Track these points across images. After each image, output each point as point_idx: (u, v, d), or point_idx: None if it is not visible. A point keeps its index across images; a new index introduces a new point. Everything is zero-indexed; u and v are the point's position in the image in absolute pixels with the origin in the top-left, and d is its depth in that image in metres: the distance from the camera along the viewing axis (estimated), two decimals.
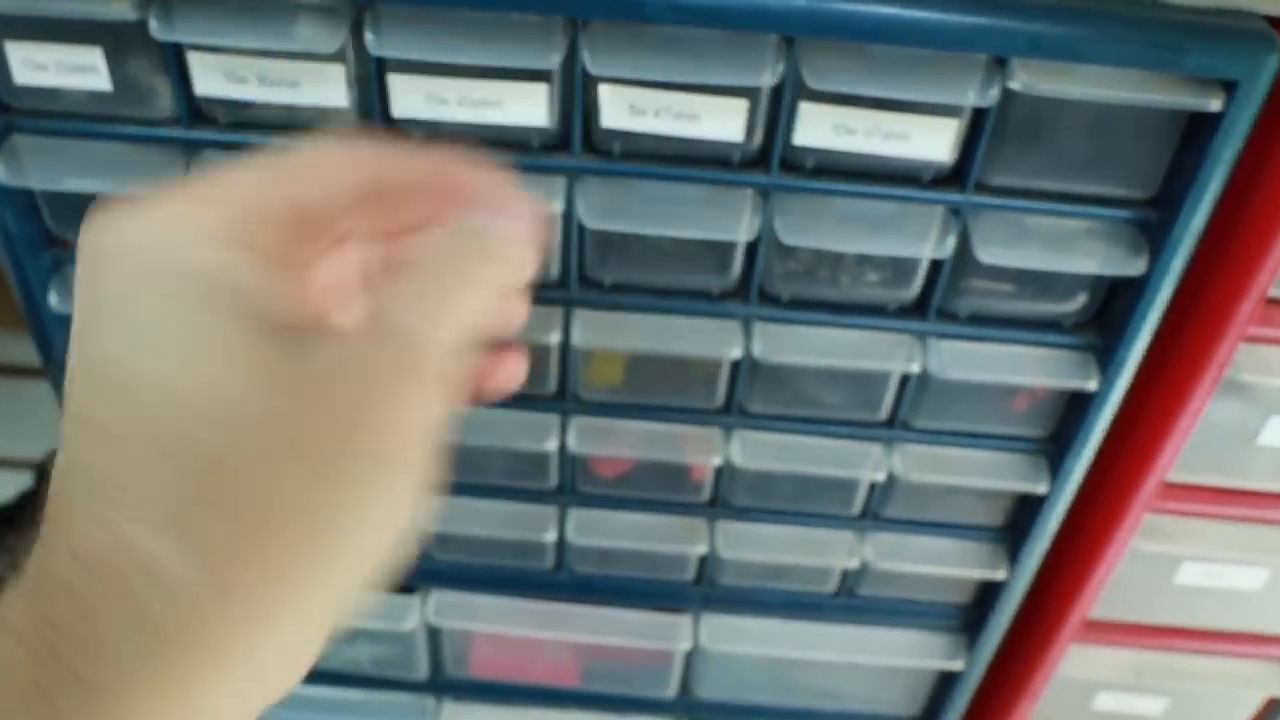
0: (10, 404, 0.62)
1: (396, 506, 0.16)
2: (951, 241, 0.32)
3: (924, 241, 0.32)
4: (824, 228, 0.32)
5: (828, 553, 0.41)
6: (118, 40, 0.31)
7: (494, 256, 0.19)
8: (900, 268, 0.34)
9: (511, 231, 0.19)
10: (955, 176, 0.32)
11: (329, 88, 0.31)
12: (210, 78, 0.31)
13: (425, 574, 0.44)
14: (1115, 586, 0.40)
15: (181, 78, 0.31)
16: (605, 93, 0.30)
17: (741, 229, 0.32)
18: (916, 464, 0.38)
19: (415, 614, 0.45)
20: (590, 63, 0.29)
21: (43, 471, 0.56)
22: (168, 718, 0.14)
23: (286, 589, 0.15)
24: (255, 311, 0.16)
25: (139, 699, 0.14)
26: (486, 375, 0.21)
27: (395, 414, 0.16)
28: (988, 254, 0.32)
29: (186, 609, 0.15)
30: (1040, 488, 0.37)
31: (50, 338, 0.37)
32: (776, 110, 0.30)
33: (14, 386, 0.61)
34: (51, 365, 0.38)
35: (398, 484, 0.17)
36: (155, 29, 0.29)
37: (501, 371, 0.21)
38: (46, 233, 0.35)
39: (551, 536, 0.41)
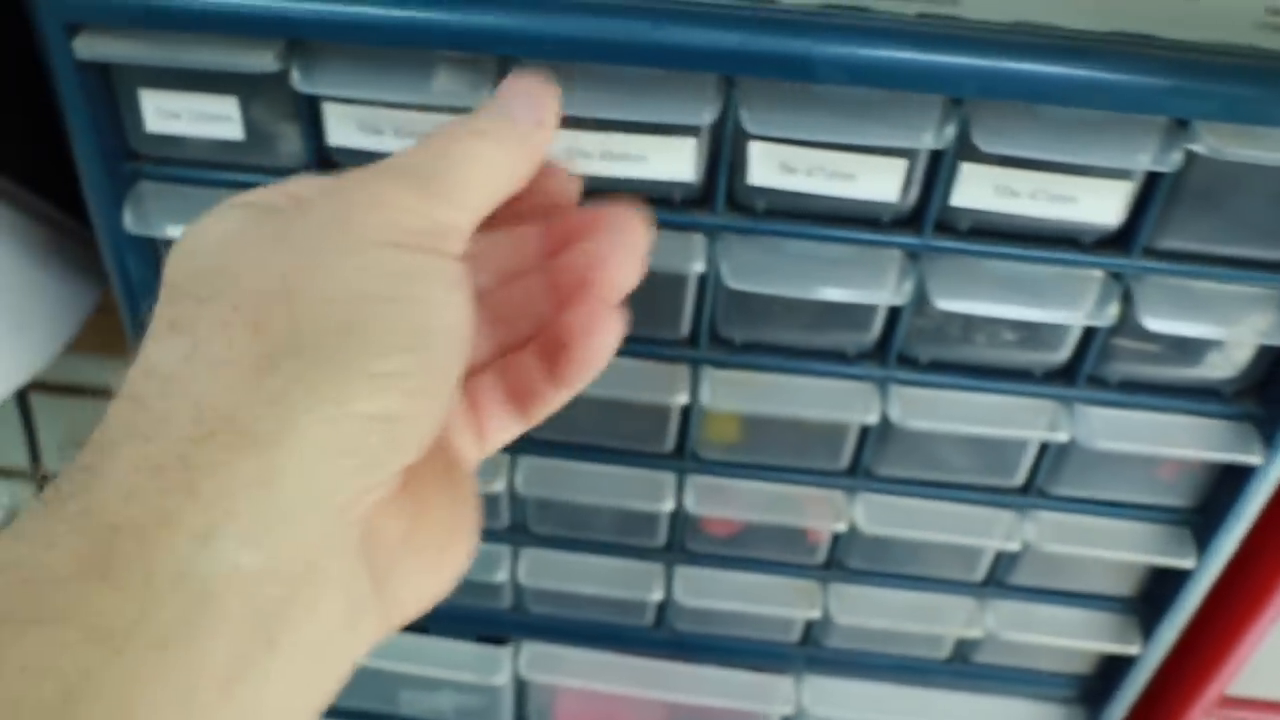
0: (87, 425, 0.61)
1: (406, 374, 0.17)
2: (1114, 308, 0.30)
3: (1082, 307, 0.31)
4: (977, 291, 0.31)
5: (946, 619, 0.39)
6: (253, 89, 0.30)
7: (494, 132, 0.20)
8: (1042, 329, 0.33)
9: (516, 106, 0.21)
10: (1118, 239, 0.30)
11: None
12: (344, 128, 0.31)
13: (517, 625, 0.43)
14: (1256, 661, 0.38)
15: (314, 127, 0.30)
16: (756, 150, 0.29)
17: (886, 290, 0.31)
18: (1051, 533, 0.36)
19: (506, 667, 0.43)
20: (748, 121, 0.28)
21: None
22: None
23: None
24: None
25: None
26: (583, 333, 0.21)
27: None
28: (1154, 321, 0.30)
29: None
30: (1186, 561, 0.35)
31: None
32: (934, 170, 0.29)
33: (91, 408, 0.60)
34: None
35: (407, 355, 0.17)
36: (297, 81, 0.28)
37: (599, 333, 0.21)
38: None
39: (657, 595, 0.40)
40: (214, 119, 0.31)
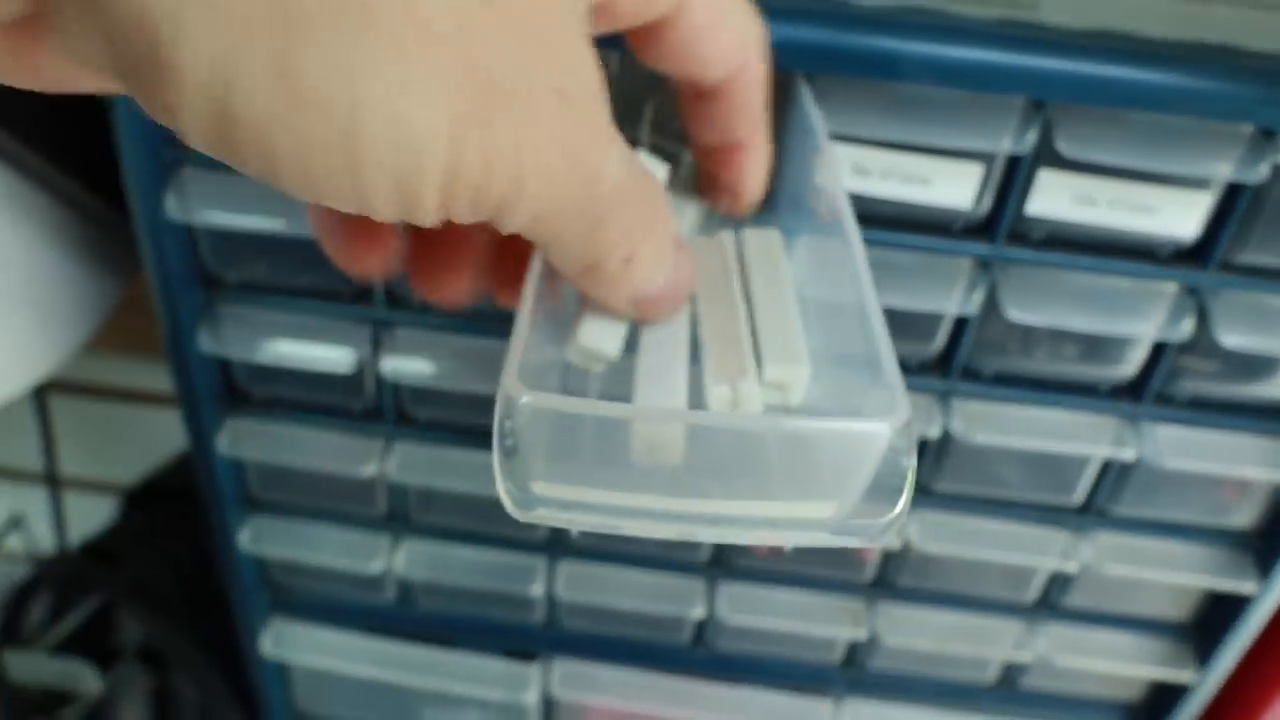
0: (105, 426, 0.60)
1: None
2: (1189, 323, 0.30)
3: (1154, 321, 0.30)
4: (1049, 303, 0.30)
5: (995, 642, 0.38)
6: None
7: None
8: (1104, 343, 0.32)
9: None
10: (1194, 253, 0.30)
11: None
12: None
13: (549, 641, 0.42)
14: None
15: None
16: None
17: (955, 300, 0.30)
18: (1108, 553, 0.35)
19: (536, 684, 0.42)
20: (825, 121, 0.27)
21: (131, 499, 0.54)
22: None
23: None
24: None
25: None
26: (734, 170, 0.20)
27: None
28: (1230, 337, 0.29)
29: None
30: (1247, 587, 0.34)
31: (193, 376, 0.35)
32: (1010, 177, 0.28)
33: (108, 409, 0.59)
34: (189, 405, 0.36)
35: None
36: None
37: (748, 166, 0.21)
38: (202, 270, 0.34)
39: (699, 612, 0.38)
40: None
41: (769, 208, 0.27)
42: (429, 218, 0.16)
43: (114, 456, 0.58)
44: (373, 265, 0.21)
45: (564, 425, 0.16)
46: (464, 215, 0.16)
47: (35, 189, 0.34)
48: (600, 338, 0.21)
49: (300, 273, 0.33)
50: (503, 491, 0.16)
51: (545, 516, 0.16)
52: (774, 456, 0.16)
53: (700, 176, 0.26)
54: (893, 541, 0.36)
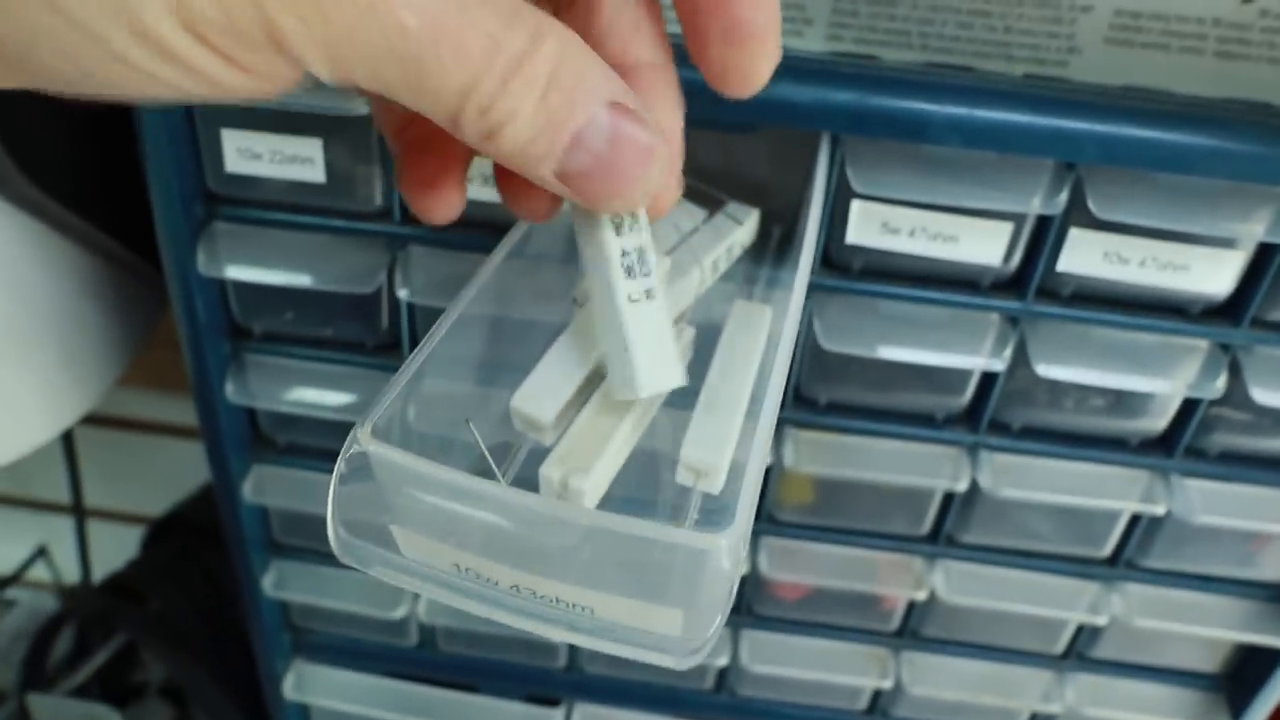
0: (129, 458, 0.60)
1: None
2: (1221, 380, 0.29)
3: (1184, 377, 0.30)
4: (1078, 358, 0.30)
5: (1022, 692, 0.38)
6: (339, 131, 0.29)
7: None
8: (1131, 397, 0.32)
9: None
10: (1226, 309, 0.29)
11: None
12: None
13: (570, 686, 0.41)
14: None
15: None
16: (857, 209, 0.28)
17: (983, 355, 0.30)
18: (1138, 606, 0.35)
19: None
20: (854, 179, 0.27)
21: (155, 532, 0.55)
22: None
23: None
24: None
25: None
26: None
27: None
28: (1262, 394, 0.29)
29: None
30: (1278, 640, 0.34)
31: (220, 424, 0.35)
32: (1040, 234, 0.28)
33: (133, 441, 0.59)
34: (215, 452, 0.36)
35: None
36: None
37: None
38: (231, 321, 0.34)
39: (723, 660, 0.38)
40: (296, 160, 0.30)
41: (790, 259, 0.26)
42: (182, 55, 0.14)
43: (138, 488, 0.58)
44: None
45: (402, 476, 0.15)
46: (234, 50, 0.14)
47: (74, 245, 0.35)
48: (534, 402, 0.19)
49: (325, 324, 0.34)
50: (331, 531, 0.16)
51: (367, 560, 0.16)
52: (608, 552, 0.15)
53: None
54: (918, 593, 0.35)
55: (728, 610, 0.16)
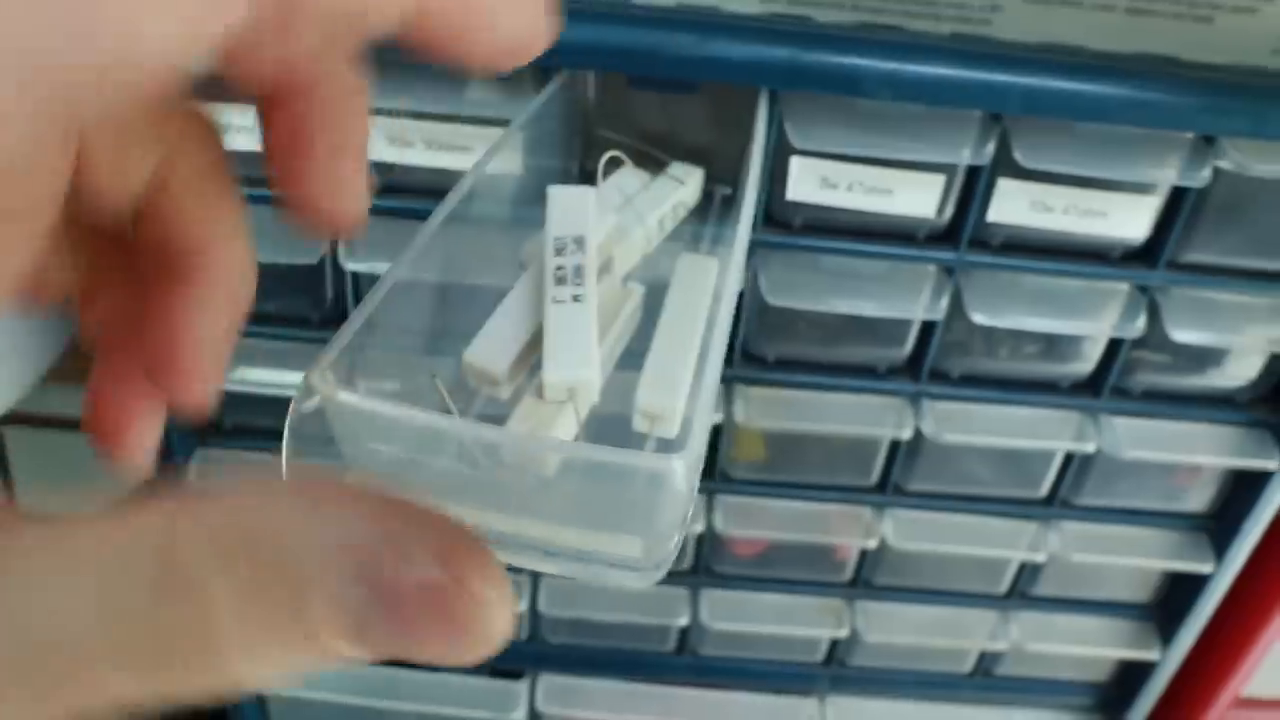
0: (61, 457, 0.58)
1: None
2: (1141, 320, 0.31)
3: (1109, 319, 0.31)
4: (1011, 306, 0.31)
5: (970, 633, 0.39)
6: None
7: None
8: (1062, 341, 0.33)
9: None
10: (1143, 254, 0.31)
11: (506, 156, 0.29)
12: (373, 142, 0.29)
13: (533, 657, 0.42)
14: (1270, 661, 0.39)
15: None
16: (797, 165, 0.29)
17: (922, 306, 0.31)
18: (1074, 542, 0.36)
19: (523, 702, 0.42)
20: (792, 135, 0.28)
21: None
22: None
23: None
24: None
25: None
26: None
27: None
28: (1180, 332, 0.31)
29: None
30: (1205, 567, 0.36)
31: None
32: (970, 186, 0.29)
33: (64, 440, 0.57)
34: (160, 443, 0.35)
35: None
36: None
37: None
38: None
39: (683, 620, 0.39)
40: (232, 129, 0.29)
41: (734, 217, 0.27)
42: None
43: (75, 487, 0.56)
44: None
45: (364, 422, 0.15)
46: None
47: None
48: (487, 356, 0.20)
49: (267, 298, 0.33)
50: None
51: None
52: (570, 483, 0.15)
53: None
54: (869, 541, 0.36)
55: (683, 533, 0.16)
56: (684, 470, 0.15)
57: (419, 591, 0.11)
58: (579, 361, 0.19)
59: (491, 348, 0.21)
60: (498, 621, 0.11)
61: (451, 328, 0.23)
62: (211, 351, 0.15)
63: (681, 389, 0.21)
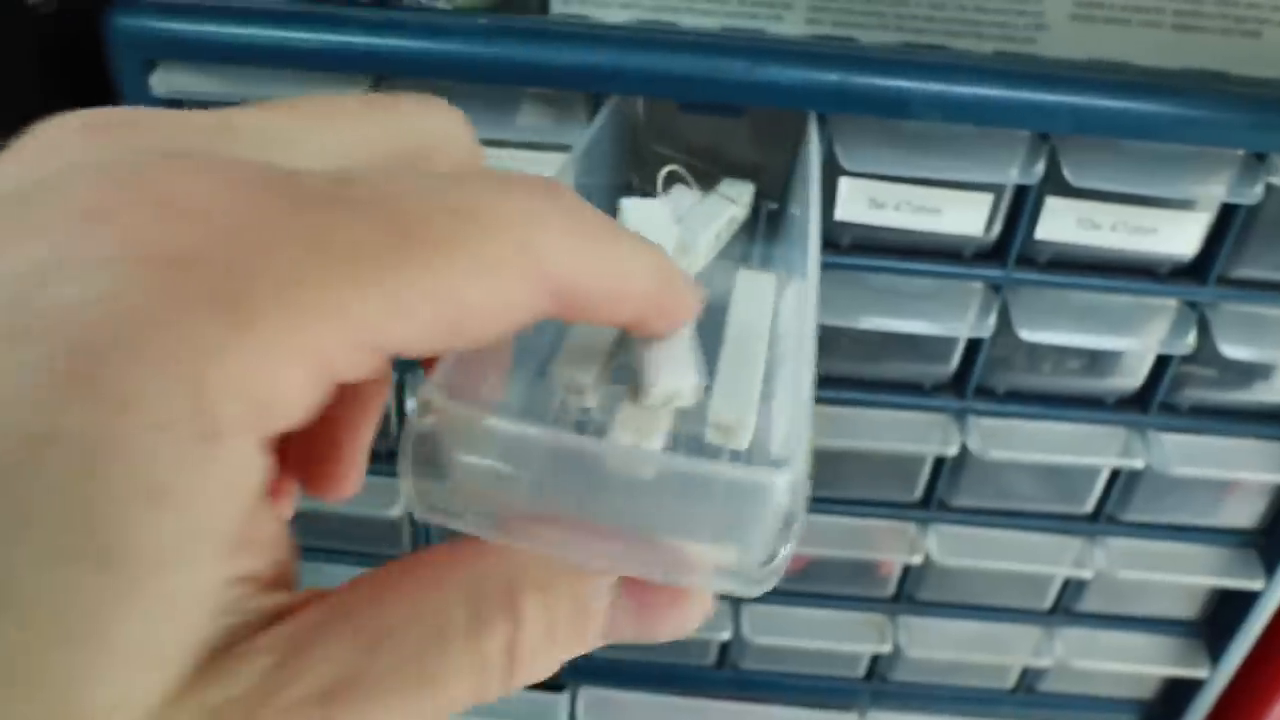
0: None
1: None
2: (1191, 336, 0.31)
3: (1157, 335, 0.31)
4: (1059, 322, 0.31)
5: (1014, 648, 0.39)
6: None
7: None
8: (1106, 357, 0.33)
9: None
10: (1193, 269, 0.31)
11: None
12: None
13: (574, 670, 0.42)
14: None
15: None
16: (846, 185, 0.29)
17: (968, 323, 0.31)
18: (1120, 558, 0.36)
19: (563, 714, 0.42)
20: (842, 157, 0.28)
21: None
22: None
23: None
24: None
25: None
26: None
27: None
28: (1230, 348, 0.31)
29: None
30: (1255, 583, 0.36)
31: None
32: (1018, 204, 0.29)
33: None
34: None
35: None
36: None
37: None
38: None
39: (725, 634, 0.39)
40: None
41: (784, 241, 0.27)
42: None
43: None
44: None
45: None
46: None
47: None
48: (577, 364, 0.20)
49: None
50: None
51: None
52: (671, 495, 0.15)
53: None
54: (913, 557, 0.36)
55: (793, 546, 0.16)
56: (785, 485, 0.15)
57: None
58: (680, 369, 0.20)
59: (578, 357, 0.21)
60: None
61: (526, 343, 0.24)
62: (364, 454, 0.17)
63: (753, 402, 0.21)
